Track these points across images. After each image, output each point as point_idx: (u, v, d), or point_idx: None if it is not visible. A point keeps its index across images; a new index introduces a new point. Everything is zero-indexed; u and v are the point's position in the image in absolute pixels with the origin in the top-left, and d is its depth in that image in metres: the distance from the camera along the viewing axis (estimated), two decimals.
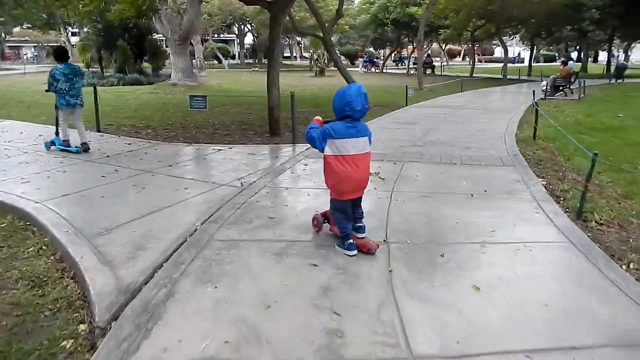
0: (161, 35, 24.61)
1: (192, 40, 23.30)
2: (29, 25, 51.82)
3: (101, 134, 8.61)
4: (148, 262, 3.33)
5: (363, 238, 3.46)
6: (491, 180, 5.51)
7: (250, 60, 55.36)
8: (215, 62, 46.23)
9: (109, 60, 24.20)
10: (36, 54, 58.17)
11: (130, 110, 12.34)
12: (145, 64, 26.45)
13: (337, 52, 42.12)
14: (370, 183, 3.77)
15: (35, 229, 4.11)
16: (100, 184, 5.36)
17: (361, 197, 3.52)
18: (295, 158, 6.77)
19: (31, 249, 3.72)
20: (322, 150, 3.30)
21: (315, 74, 31.06)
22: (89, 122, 9.38)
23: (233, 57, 58.17)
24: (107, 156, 6.76)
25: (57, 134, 7.03)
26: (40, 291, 3.08)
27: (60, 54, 6.92)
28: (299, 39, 79.23)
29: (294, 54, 76.51)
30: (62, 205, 4.53)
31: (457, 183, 5.37)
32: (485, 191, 5.06)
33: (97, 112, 8.97)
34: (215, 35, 51.88)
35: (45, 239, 3.88)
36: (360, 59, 41.21)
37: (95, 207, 4.56)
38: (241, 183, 5.37)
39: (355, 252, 3.34)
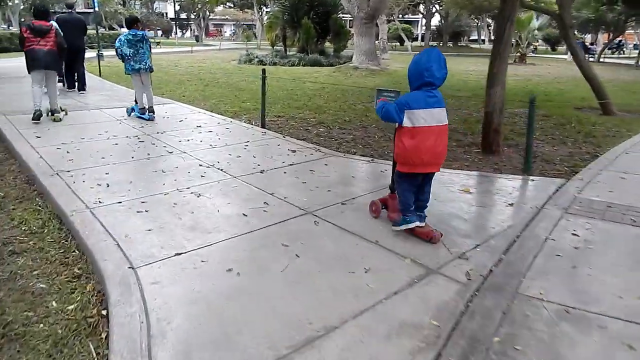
0: (347, 14, 23.13)
1: (377, 20, 21.19)
2: (230, 5, 56.41)
3: (264, 131, 6.89)
4: None
5: (423, 227, 3.24)
6: None
7: (434, 43, 51.59)
8: (397, 44, 43.82)
9: (293, 39, 23.57)
10: (234, 31, 63.13)
11: (305, 97, 10.67)
12: (327, 44, 25.36)
13: (538, 38, 35.98)
14: None
15: None
16: (237, 233, 3.40)
17: (433, 175, 3.30)
18: (546, 211, 3.98)
19: None
20: (400, 122, 3.07)
21: (515, 61, 26.41)
22: (253, 113, 7.95)
23: (415, 39, 55.11)
24: (261, 171, 4.87)
25: (136, 101, 7.49)
26: None
27: (129, 21, 7.30)
28: (489, 20, 72.03)
29: (482, 37, 69.94)
30: None
31: None
32: None
33: (263, 105, 7.29)
34: (400, 16, 49.28)
35: None
36: None
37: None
38: (468, 275, 2.87)
39: (417, 222, 3.20)
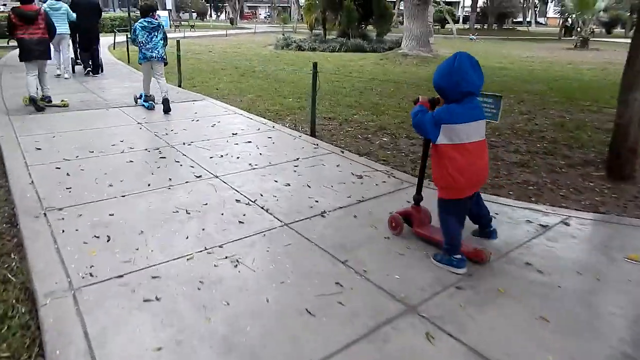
0: None
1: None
2: None
3: (316, 142, 5.48)
4: None
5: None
6: None
7: (478, 26, 48.76)
8: (438, 27, 41.37)
9: (333, 23, 21.93)
10: (269, 13, 61.61)
11: (355, 92, 9.18)
12: (369, 28, 23.62)
13: (597, 18, 32.95)
14: None
15: None
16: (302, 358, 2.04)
17: (479, 193, 2.85)
18: None
19: None
20: (434, 140, 2.59)
21: (575, 46, 24.02)
22: (298, 114, 6.53)
23: (457, 22, 52.34)
24: (322, 213, 3.49)
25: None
26: None
27: (143, 9, 7.02)
28: (536, 1, 67.85)
29: (528, 19, 65.96)
30: None
31: None
32: None
33: (313, 109, 5.88)
34: None
35: None
36: None
37: None
38: None
39: (465, 269, 2.65)
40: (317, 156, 4.92)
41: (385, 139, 5.86)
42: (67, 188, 3.81)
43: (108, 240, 2.97)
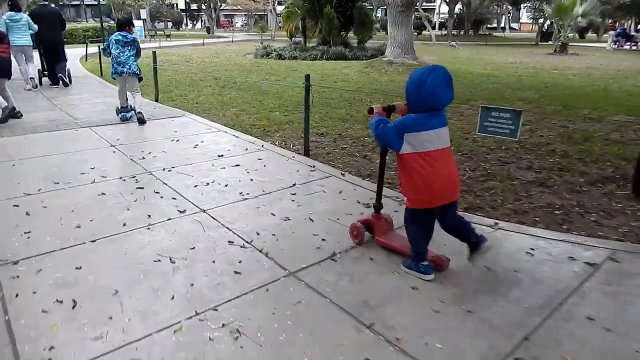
0: (367, 3, 21.07)
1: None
2: None
3: (312, 164, 4.95)
4: None
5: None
6: None
7: (455, 32, 49.10)
8: (416, 33, 41.39)
9: (313, 30, 21.51)
10: (246, 22, 61.10)
11: (345, 103, 8.71)
12: (350, 35, 23.30)
13: (575, 24, 33.50)
14: None
15: None
16: None
17: (456, 202, 2.70)
18: None
19: None
20: (398, 150, 2.52)
21: (555, 51, 24.14)
22: (287, 129, 5.95)
23: (433, 28, 52.66)
24: (332, 256, 2.98)
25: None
26: None
27: (120, 22, 6.98)
28: (510, 7, 69.05)
29: (502, 24, 66.94)
30: None
31: None
32: None
33: (306, 126, 5.36)
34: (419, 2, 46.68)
35: None
36: (611, 32, 31.80)
37: None
38: None
39: (433, 275, 2.66)
40: (315, 180, 4.39)
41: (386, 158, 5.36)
42: (25, 232, 3.19)
43: (74, 307, 2.39)
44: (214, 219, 3.49)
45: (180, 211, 3.61)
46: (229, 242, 3.13)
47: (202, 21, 62.43)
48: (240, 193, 4.01)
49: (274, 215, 3.57)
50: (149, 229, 3.30)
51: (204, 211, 3.62)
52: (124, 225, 3.35)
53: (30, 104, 7.93)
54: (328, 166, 4.90)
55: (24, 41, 8.87)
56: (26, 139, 5.67)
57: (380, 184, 3.13)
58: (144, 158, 4.97)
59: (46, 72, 10.05)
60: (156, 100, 8.62)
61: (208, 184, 4.23)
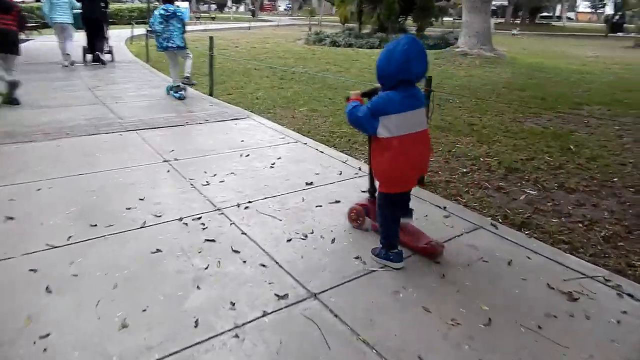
0: None
1: None
2: None
3: (443, 207, 3.56)
4: None
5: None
6: None
7: (510, 20, 46.27)
8: None
9: (370, 16, 19.87)
10: (290, 5, 59.65)
11: (435, 107, 7.20)
12: (409, 22, 21.58)
13: None
14: None
15: None
16: None
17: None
18: None
19: None
20: (374, 133, 2.44)
21: (636, 45, 21.66)
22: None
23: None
24: None
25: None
26: None
27: None
28: None
29: (557, 13, 62.84)
30: None
31: None
32: None
33: None
34: None
35: None
36: None
37: None
38: None
39: (402, 264, 2.54)
40: (460, 237, 2.99)
41: (528, 190, 3.92)
42: (40, 337, 1.96)
43: None
44: (333, 313, 2.16)
45: (279, 296, 2.29)
46: None
47: (245, 4, 61.34)
48: (358, 257, 2.67)
49: (428, 311, 2.21)
50: (236, 336, 2.00)
51: (314, 295, 2.30)
52: (196, 325, 2.06)
53: (69, 95, 6.84)
54: (464, 207, 3.49)
55: (65, 18, 8.99)
56: (59, 146, 4.50)
57: (371, 167, 2.85)
58: (208, 183, 3.69)
59: (90, 51, 10.07)
60: (210, 94, 7.39)
61: (306, 236, 2.91)
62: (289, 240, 2.84)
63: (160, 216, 3.09)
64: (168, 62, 7.04)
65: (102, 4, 9.84)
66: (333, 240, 2.86)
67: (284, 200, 3.42)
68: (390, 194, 2.56)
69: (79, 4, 9.21)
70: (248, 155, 4.42)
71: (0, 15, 5.92)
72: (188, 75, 6.74)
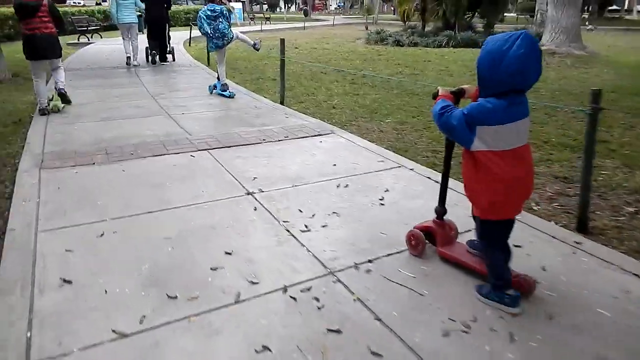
0: None
1: None
2: None
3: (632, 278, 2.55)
4: None
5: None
6: None
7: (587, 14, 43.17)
8: (528, 15, 36.52)
9: (434, 12, 18.67)
10: (341, 4, 58.93)
11: (544, 116, 6.12)
12: (476, 18, 20.20)
13: None
14: None
15: None
16: None
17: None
18: None
19: None
20: (469, 147, 1.99)
21: None
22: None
23: None
24: None
25: (219, 77, 6.91)
26: None
27: None
28: None
29: (625, 7, 58.44)
30: None
31: None
32: None
33: (586, 198, 3.01)
34: None
35: None
36: None
37: None
38: None
39: (520, 309, 2.07)
40: None
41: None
42: None
43: None
44: None
45: None
46: None
47: (296, 3, 61.11)
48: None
49: None
50: None
51: None
52: None
53: (132, 104, 6.28)
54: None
55: (131, 19, 9.28)
56: (124, 171, 3.83)
57: (444, 184, 2.49)
58: (307, 229, 2.87)
59: (154, 52, 10.14)
60: (282, 103, 6.63)
61: (469, 326, 2.01)
62: (445, 335, 1.96)
63: (257, 283, 2.30)
64: (216, 59, 6.98)
65: (165, 5, 9.98)
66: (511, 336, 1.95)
67: (413, 258, 2.54)
68: (495, 222, 2.09)
69: (142, 5, 9.48)
70: (347, 186, 3.57)
71: (27, 20, 5.30)
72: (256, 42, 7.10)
